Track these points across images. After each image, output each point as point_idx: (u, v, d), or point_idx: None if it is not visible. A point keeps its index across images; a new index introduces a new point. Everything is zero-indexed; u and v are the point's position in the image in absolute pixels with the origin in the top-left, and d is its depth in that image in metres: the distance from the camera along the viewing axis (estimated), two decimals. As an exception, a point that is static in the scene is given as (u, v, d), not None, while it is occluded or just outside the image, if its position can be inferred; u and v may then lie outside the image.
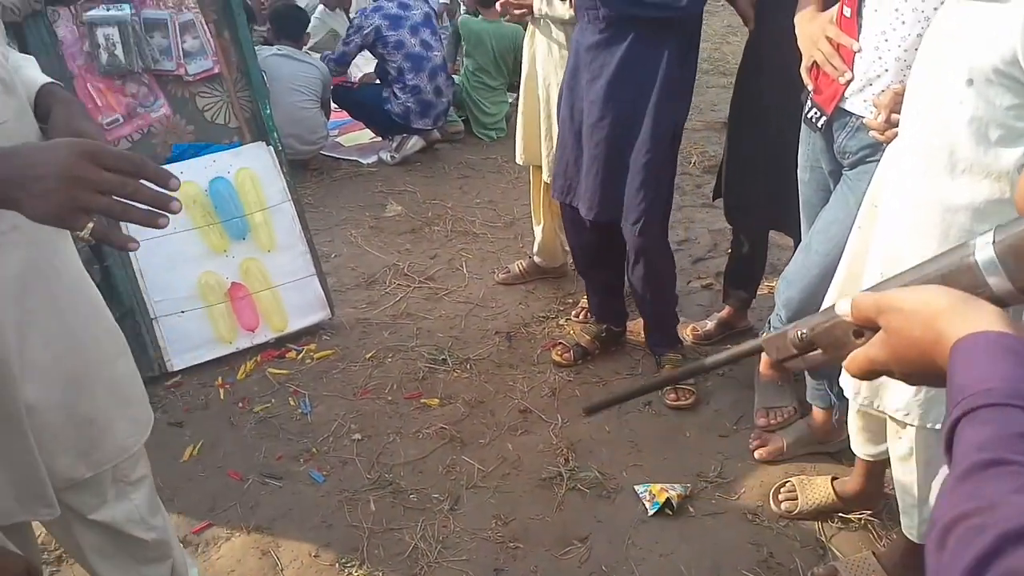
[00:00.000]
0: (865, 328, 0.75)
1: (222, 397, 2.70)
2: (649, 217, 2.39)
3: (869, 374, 0.74)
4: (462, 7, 6.07)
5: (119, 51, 2.66)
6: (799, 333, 0.83)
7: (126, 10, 2.65)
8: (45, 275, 1.23)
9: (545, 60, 2.80)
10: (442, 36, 4.85)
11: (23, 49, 2.47)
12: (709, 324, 2.88)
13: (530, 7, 2.73)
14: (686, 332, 2.86)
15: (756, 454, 2.30)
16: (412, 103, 4.48)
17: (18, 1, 2.37)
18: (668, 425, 2.49)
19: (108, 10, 2.63)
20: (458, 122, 5.03)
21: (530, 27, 2.87)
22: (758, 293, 2.88)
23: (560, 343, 2.85)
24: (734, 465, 2.31)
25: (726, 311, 2.89)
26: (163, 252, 2.77)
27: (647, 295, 2.58)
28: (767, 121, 2.36)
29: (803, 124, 1.99)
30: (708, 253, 3.52)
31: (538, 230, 3.25)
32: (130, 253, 2.71)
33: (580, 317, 3.02)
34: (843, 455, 2.23)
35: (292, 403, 2.65)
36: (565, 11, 2.61)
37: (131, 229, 2.77)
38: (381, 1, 4.52)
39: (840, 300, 0.78)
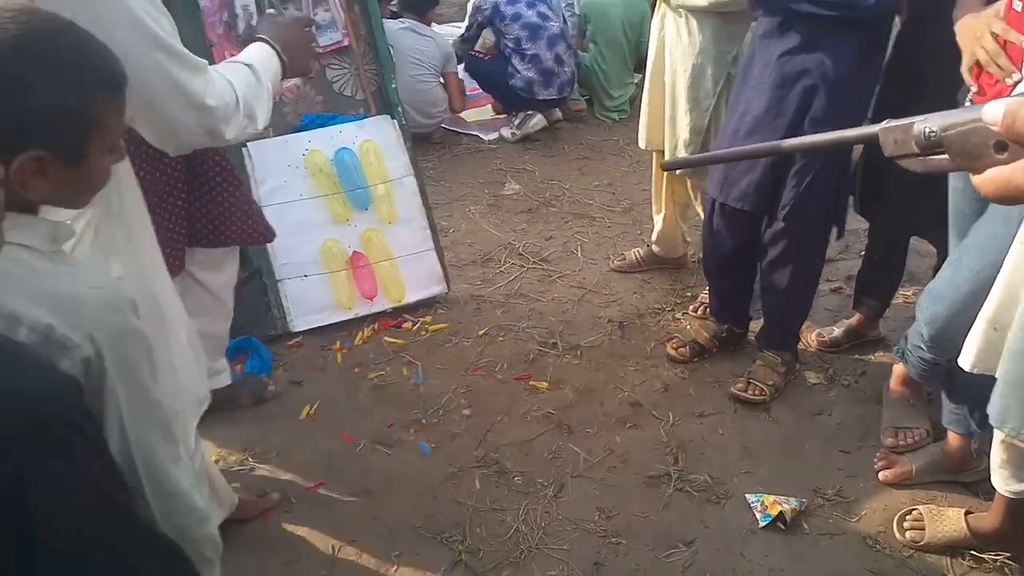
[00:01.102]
0: (1014, 143, 0.64)
1: (339, 361, 2.77)
2: (802, 214, 2.30)
3: (1004, 199, 0.65)
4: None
5: (255, 21, 2.74)
6: (926, 130, 0.72)
7: (265, -20, 2.73)
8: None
9: (674, 47, 2.71)
10: (564, 15, 4.79)
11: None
12: (836, 331, 2.75)
13: None
14: (810, 338, 2.74)
15: (880, 476, 2.18)
16: (534, 73, 4.46)
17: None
18: (786, 434, 2.40)
19: (250, -19, 2.71)
20: (581, 101, 4.97)
21: (660, 9, 2.78)
22: (892, 303, 2.73)
23: (676, 337, 2.78)
24: (855, 484, 2.20)
25: (856, 318, 2.75)
26: (290, 217, 2.85)
27: (780, 296, 2.48)
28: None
29: None
30: (840, 255, 3.35)
31: (658, 219, 3.17)
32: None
33: (699, 312, 2.93)
34: (979, 487, 2.09)
35: (406, 372, 2.69)
36: None
37: (261, 193, 2.86)
38: None
39: (991, 103, 0.66)
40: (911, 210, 2.34)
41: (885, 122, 0.80)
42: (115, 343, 0.94)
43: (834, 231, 2.46)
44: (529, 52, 4.44)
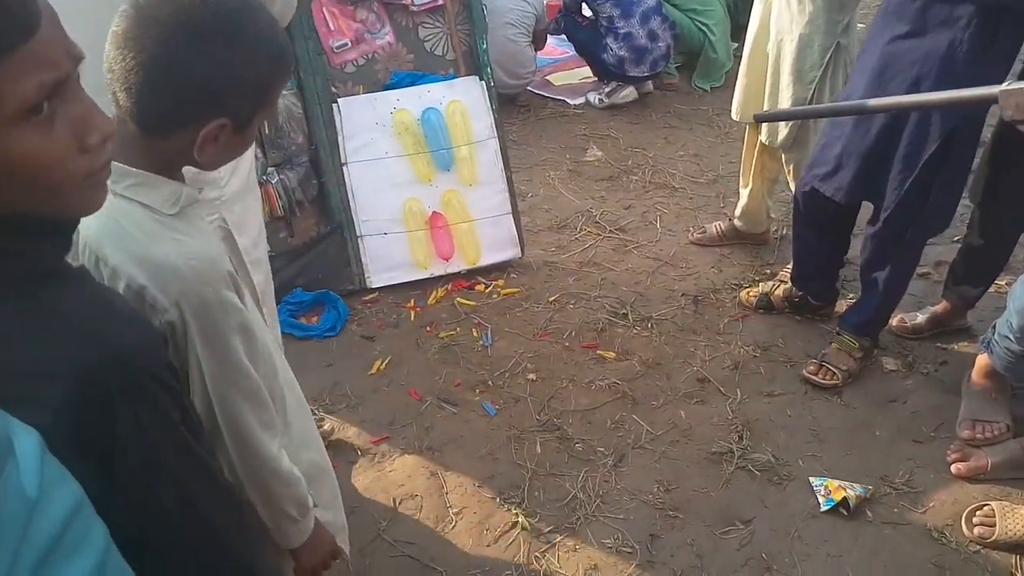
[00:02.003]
0: None
1: (412, 319, 2.83)
2: (905, 215, 2.22)
3: None
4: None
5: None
6: None
7: (366, -62, 2.75)
8: None
9: (780, 14, 2.60)
10: None
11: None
12: (920, 317, 2.64)
13: None
14: (893, 322, 2.64)
15: (953, 468, 2.11)
16: (625, 51, 4.36)
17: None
18: (856, 419, 2.34)
19: (349, -63, 2.74)
20: (675, 75, 4.84)
21: None
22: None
23: (751, 289, 2.85)
24: (925, 475, 2.13)
25: (942, 306, 2.63)
26: (374, 175, 2.92)
27: (874, 286, 2.41)
28: None
29: None
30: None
31: (744, 193, 3.09)
32: (344, 172, 2.88)
33: (778, 276, 2.91)
34: (1059, 489, 2.00)
35: (475, 334, 2.73)
36: None
37: (348, 149, 2.93)
38: None
39: None
40: None
41: (1006, 83, 0.76)
42: (202, 312, 0.99)
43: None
44: (622, 31, 4.33)
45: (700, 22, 4.73)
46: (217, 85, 0.96)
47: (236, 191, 1.61)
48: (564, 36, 4.85)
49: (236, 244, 1.59)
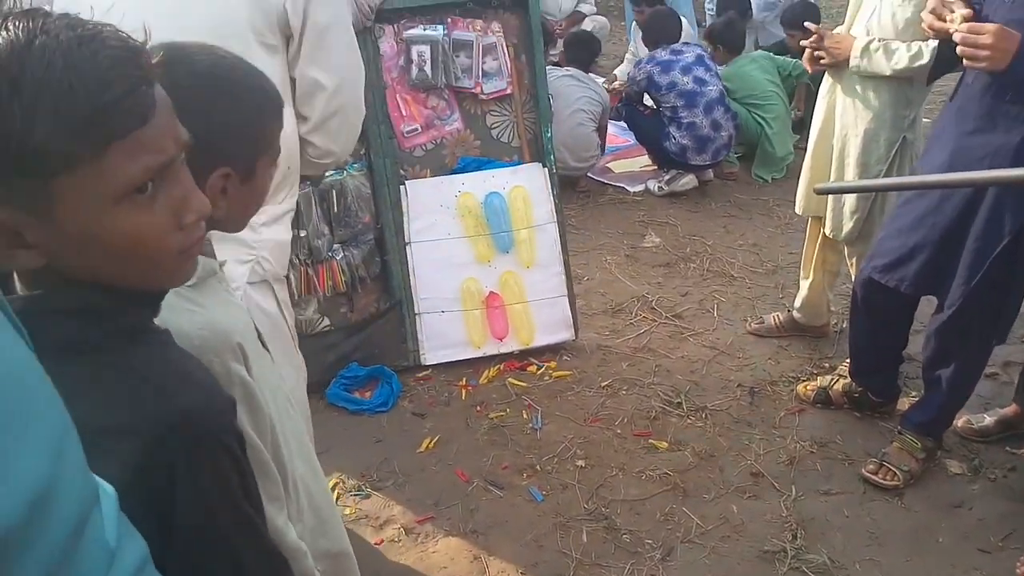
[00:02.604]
0: None
1: (463, 398, 2.85)
2: (973, 309, 2.18)
3: None
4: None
5: (428, 67, 2.92)
6: None
7: (439, 31, 2.90)
8: None
9: (846, 109, 2.63)
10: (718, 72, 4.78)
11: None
12: (987, 419, 2.55)
13: (843, 60, 2.55)
14: (957, 424, 2.55)
15: None
16: (688, 140, 4.43)
17: (354, 19, 2.68)
18: (918, 523, 2.24)
19: (425, 30, 2.89)
20: (735, 164, 4.89)
21: (829, 77, 2.72)
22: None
23: (809, 383, 2.79)
24: (993, 588, 2.02)
25: (1012, 408, 2.54)
26: (436, 254, 2.99)
27: (939, 384, 2.35)
28: None
29: None
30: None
31: (804, 284, 3.07)
32: (407, 251, 2.97)
33: (838, 370, 2.83)
34: None
35: (525, 416, 2.73)
36: (886, 66, 2.45)
37: (412, 229, 3.02)
38: (655, 52, 4.62)
39: None
40: None
41: None
42: None
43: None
44: (686, 120, 4.42)
45: (758, 115, 4.79)
46: (205, 135, 0.95)
47: (275, 241, 1.68)
48: (624, 124, 4.97)
49: (274, 292, 1.64)
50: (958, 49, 1.97)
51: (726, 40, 5.01)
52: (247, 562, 0.92)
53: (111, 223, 0.74)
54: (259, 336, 1.22)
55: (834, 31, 2.68)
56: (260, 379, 1.14)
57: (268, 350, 1.26)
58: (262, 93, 1.12)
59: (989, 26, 1.91)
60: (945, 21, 2.02)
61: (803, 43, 2.69)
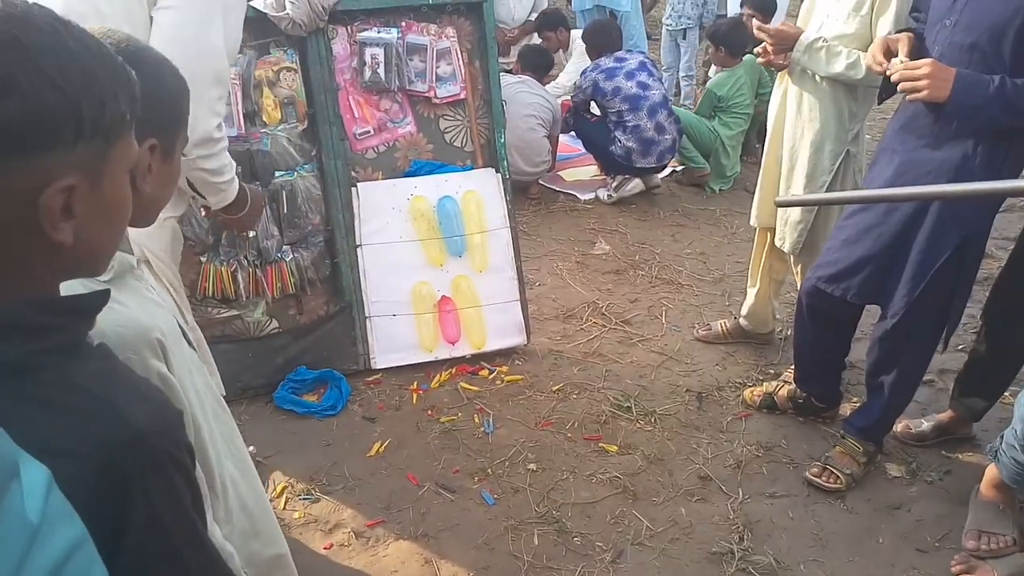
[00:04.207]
0: None
1: (414, 401, 2.83)
2: (915, 320, 2.24)
3: None
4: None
5: (381, 70, 2.90)
6: None
7: (393, 34, 2.89)
8: None
9: (794, 122, 2.70)
10: (663, 78, 4.88)
11: (302, 60, 2.76)
12: (925, 425, 2.63)
13: (787, 50, 2.61)
14: (896, 429, 2.62)
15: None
16: (633, 143, 4.51)
17: (307, 19, 2.66)
18: (859, 524, 2.30)
19: (379, 32, 2.88)
20: (705, 167, 4.95)
21: (782, 84, 2.78)
22: (987, 402, 2.59)
23: (755, 388, 2.84)
24: (930, 586, 2.08)
25: (947, 415, 2.62)
26: (387, 258, 2.97)
27: (880, 390, 2.42)
28: None
29: None
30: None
31: (751, 292, 3.13)
32: (357, 254, 2.94)
33: (783, 376, 2.90)
34: (1067, 607, 1.95)
35: (476, 420, 2.73)
36: (823, 66, 2.52)
37: (363, 231, 3.00)
38: (599, 60, 4.71)
39: None
40: None
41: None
42: None
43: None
44: (631, 123, 4.50)
45: (715, 127, 4.90)
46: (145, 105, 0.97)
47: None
48: (573, 133, 5.03)
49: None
50: (899, 87, 2.06)
51: (730, 42, 4.88)
52: (191, 571, 0.89)
53: (126, 191, 0.80)
54: (184, 335, 1.19)
55: None
56: (183, 377, 1.12)
57: (195, 349, 1.24)
58: (174, 69, 1.15)
59: (924, 61, 2.00)
60: (884, 67, 2.11)
61: (754, 30, 2.74)
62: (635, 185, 4.65)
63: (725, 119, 4.93)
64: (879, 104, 2.39)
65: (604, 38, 4.81)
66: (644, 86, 4.53)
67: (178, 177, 1.17)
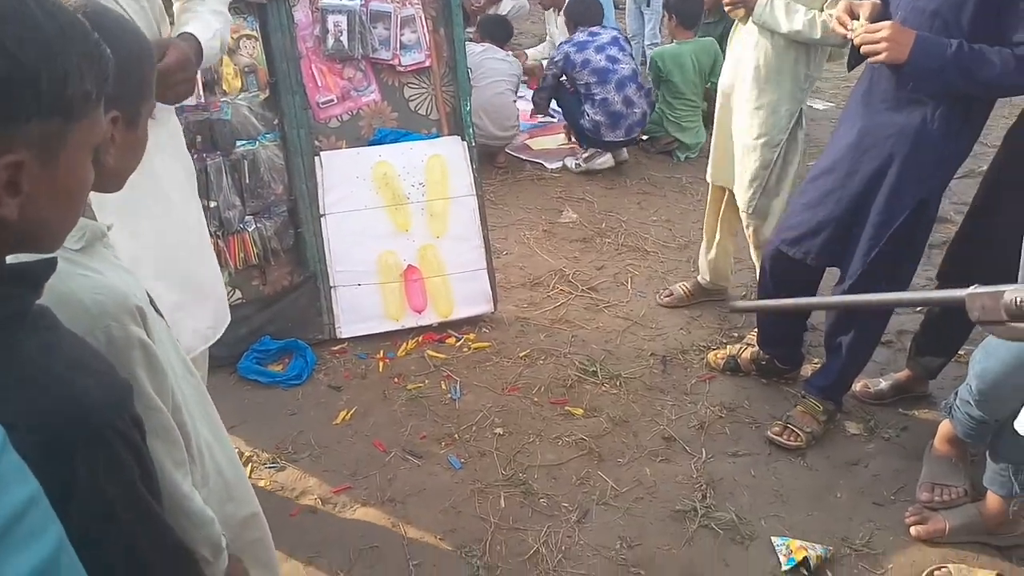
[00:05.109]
0: None
1: (380, 370, 2.83)
2: (871, 281, 2.27)
3: None
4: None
5: (344, 38, 2.86)
6: (1018, 299, 0.72)
7: (356, 1, 2.85)
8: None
9: (752, 82, 2.70)
10: (632, 53, 4.85)
11: (263, 27, 2.72)
12: (883, 384, 2.69)
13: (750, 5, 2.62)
14: (856, 388, 2.68)
15: (912, 531, 2.12)
16: (601, 116, 4.51)
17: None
18: (819, 481, 2.35)
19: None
20: (670, 135, 4.96)
21: (736, 35, 2.80)
22: (944, 361, 2.65)
23: (719, 351, 2.88)
24: (885, 537, 2.14)
25: (904, 373, 2.68)
26: (351, 226, 2.95)
27: (840, 350, 2.46)
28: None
29: None
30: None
31: (709, 248, 3.17)
32: (321, 224, 2.92)
33: (745, 339, 2.94)
34: (1013, 553, 2.02)
35: (443, 387, 2.74)
36: (784, 23, 2.54)
37: (327, 200, 2.97)
38: (574, 34, 4.73)
39: None
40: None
41: (973, 287, 0.81)
42: (108, 348, 0.97)
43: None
44: (598, 97, 4.50)
45: (664, 107, 4.91)
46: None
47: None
48: (555, 103, 5.00)
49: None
50: (860, 49, 2.08)
51: (681, 12, 4.85)
52: (146, 555, 0.88)
53: (84, 172, 0.77)
54: (152, 303, 1.18)
55: None
56: (158, 343, 1.11)
57: (162, 316, 1.23)
58: (138, 34, 1.10)
59: (884, 24, 2.03)
60: (848, 27, 2.12)
61: None
62: (605, 160, 4.65)
63: (668, 97, 4.92)
64: (848, 71, 2.42)
65: (583, 12, 4.81)
66: (613, 60, 4.53)
67: (145, 143, 1.13)
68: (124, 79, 1.02)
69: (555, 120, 5.20)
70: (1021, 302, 0.72)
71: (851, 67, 2.35)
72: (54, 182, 0.73)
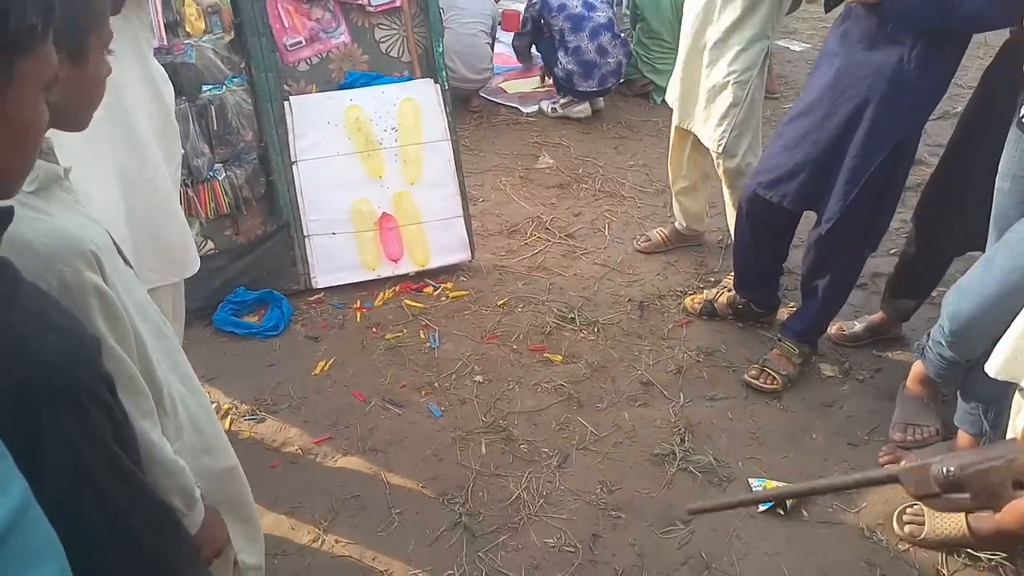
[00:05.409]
0: None
1: (358, 320, 2.81)
2: (847, 224, 2.29)
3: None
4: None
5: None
6: (944, 470, 0.74)
7: (322, -64, 2.74)
8: None
9: (717, 18, 2.66)
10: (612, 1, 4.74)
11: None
12: (857, 326, 2.72)
13: None
14: (831, 330, 2.71)
15: (885, 470, 2.17)
16: (574, 65, 4.40)
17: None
18: (795, 423, 2.39)
19: (304, -66, 2.72)
20: (645, 76, 4.88)
21: None
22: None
23: (696, 296, 2.90)
24: (859, 477, 2.19)
25: (879, 316, 2.71)
26: (324, 174, 2.89)
27: (815, 294, 2.49)
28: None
29: (1014, 128, 1.81)
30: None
31: (680, 194, 3.16)
32: (293, 171, 2.85)
33: (722, 283, 2.95)
34: (984, 489, 2.06)
35: (422, 336, 2.72)
36: None
37: (298, 147, 2.90)
38: None
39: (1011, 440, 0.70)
40: (978, 231, 2.26)
41: (902, 463, 0.81)
42: (61, 294, 0.94)
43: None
44: (571, 44, 4.39)
45: (643, 58, 4.83)
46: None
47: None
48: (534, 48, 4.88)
49: None
50: None
51: None
52: (127, 513, 0.87)
53: (36, 111, 0.74)
54: (120, 253, 1.14)
55: None
56: (122, 294, 1.07)
57: (131, 267, 1.19)
58: None
59: None
60: None
61: None
62: (583, 109, 4.57)
63: (643, 38, 4.81)
64: (826, 12, 2.38)
65: None
66: (590, 6, 4.41)
67: (99, 79, 1.07)
68: (65, 7, 0.96)
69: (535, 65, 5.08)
70: (948, 472, 0.73)
71: (828, 8, 2.31)
72: (4, 122, 0.70)
